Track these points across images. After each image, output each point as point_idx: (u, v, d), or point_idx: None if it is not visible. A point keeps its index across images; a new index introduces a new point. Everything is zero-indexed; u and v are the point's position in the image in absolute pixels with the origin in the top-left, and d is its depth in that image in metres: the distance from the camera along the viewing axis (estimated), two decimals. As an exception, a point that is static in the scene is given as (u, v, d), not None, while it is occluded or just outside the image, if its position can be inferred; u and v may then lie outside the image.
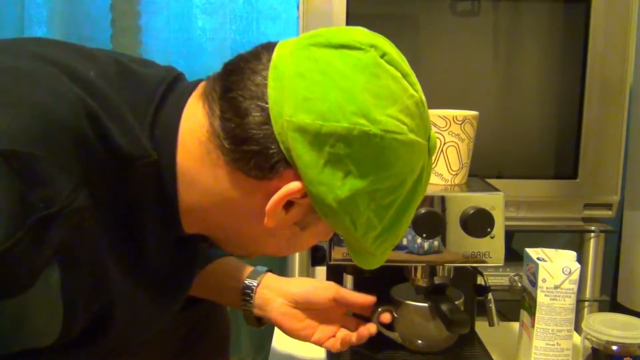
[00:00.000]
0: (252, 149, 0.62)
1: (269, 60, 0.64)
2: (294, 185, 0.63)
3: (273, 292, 0.92)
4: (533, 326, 0.92)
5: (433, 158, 0.74)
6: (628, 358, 0.89)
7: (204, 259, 0.90)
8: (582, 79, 1.32)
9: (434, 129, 0.96)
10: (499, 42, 1.35)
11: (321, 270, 1.43)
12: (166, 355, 0.92)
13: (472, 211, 0.91)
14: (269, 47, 0.66)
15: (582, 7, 1.31)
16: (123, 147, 0.61)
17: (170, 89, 0.68)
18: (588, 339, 0.92)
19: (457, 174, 0.98)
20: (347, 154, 0.61)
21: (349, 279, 1.01)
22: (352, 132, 0.60)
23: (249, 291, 0.91)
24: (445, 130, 0.96)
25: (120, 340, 0.71)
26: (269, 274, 0.94)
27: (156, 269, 0.70)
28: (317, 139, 0.61)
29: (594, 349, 0.91)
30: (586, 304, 1.41)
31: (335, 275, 1.03)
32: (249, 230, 0.69)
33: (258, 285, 0.92)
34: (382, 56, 0.64)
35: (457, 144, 0.96)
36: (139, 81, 0.67)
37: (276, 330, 1.13)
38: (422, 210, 0.91)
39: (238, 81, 0.64)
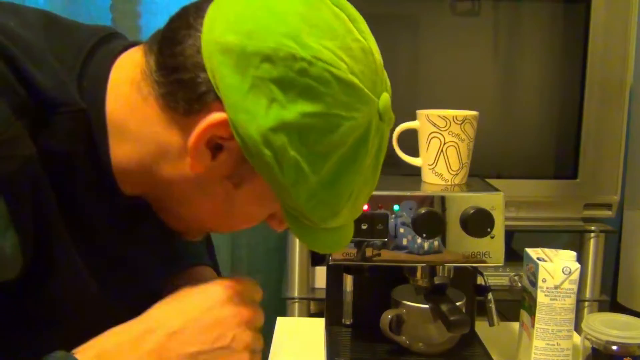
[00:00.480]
0: (181, 78, 0.59)
1: None
2: (218, 115, 0.59)
3: None
4: (533, 326, 0.92)
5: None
6: (628, 358, 0.89)
7: (180, 264, 0.86)
8: (582, 79, 1.32)
9: (434, 129, 0.97)
10: (499, 42, 1.35)
11: (321, 270, 1.43)
12: None
13: (472, 211, 0.91)
14: None
15: (582, 7, 1.31)
16: (46, 90, 0.58)
17: (104, 42, 0.65)
18: (588, 339, 0.91)
19: (457, 174, 0.98)
20: (272, 78, 0.57)
21: (348, 279, 1.01)
22: (278, 53, 0.56)
23: None
24: (445, 130, 0.96)
25: (78, 326, 0.65)
26: None
27: (102, 242, 0.66)
28: (242, 59, 0.57)
29: (594, 349, 0.91)
30: (586, 304, 1.42)
31: (335, 275, 1.03)
32: (179, 185, 0.65)
33: None
34: None
35: (457, 144, 0.96)
36: (68, 33, 0.65)
37: (276, 331, 1.13)
38: (422, 210, 0.91)
39: (180, 18, 0.62)
